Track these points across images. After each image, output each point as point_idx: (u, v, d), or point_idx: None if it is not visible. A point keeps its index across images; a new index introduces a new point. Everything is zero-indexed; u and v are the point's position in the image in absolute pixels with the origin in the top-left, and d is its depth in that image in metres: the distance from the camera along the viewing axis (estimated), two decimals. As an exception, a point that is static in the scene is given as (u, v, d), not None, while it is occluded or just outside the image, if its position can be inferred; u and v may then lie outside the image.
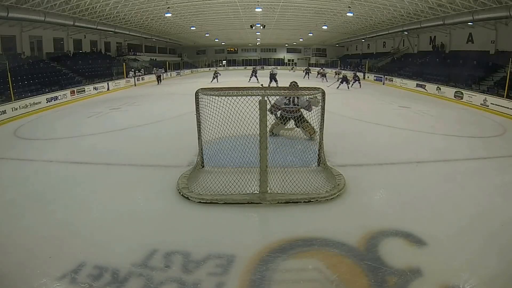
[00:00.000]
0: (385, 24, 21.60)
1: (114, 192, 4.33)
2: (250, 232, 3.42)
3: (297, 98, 6.20)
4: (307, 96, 5.95)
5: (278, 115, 6.55)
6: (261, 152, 3.80)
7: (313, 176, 4.37)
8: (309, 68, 27.53)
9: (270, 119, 5.89)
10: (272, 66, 30.88)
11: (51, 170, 5.27)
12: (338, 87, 17.33)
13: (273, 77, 17.62)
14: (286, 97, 6.19)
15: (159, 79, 21.64)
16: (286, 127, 6.54)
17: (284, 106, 6.26)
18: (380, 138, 7.03)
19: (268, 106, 5.54)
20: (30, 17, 13.49)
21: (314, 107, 5.88)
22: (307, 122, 6.09)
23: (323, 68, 25.27)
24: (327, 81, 21.18)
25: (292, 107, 6.26)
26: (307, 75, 24.75)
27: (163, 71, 23.37)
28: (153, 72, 22.63)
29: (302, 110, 6.29)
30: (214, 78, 20.56)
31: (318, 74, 24.27)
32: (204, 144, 4.82)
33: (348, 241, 3.08)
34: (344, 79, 17.87)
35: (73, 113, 10.84)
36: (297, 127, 6.23)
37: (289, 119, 6.36)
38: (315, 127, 5.78)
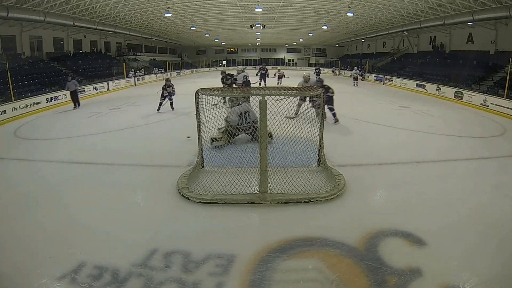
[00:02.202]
0: (385, 24, 21.59)
1: (114, 192, 4.33)
2: (250, 232, 3.42)
3: (248, 112, 6.13)
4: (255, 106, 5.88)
5: (222, 130, 6.08)
6: (261, 152, 3.80)
7: (313, 176, 4.37)
8: (265, 67, 18.29)
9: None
10: (242, 67, 18.75)
11: (51, 170, 5.27)
12: (260, 84, 15.90)
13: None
14: (238, 116, 6.04)
15: (74, 98, 11.87)
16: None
17: (238, 126, 6.06)
18: (380, 138, 7.04)
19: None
20: (30, 17, 13.49)
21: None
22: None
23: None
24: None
25: (246, 126, 6.11)
26: (262, 81, 16.63)
27: (77, 84, 12.25)
28: (66, 86, 12.12)
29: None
30: (164, 97, 10.13)
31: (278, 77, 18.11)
32: (204, 144, 4.83)
33: (348, 241, 3.08)
34: (262, 76, 16.29)
35: (73, 113, 10.84)
36: (254, 139, 5.90)
37: (239, 132, 6.15)
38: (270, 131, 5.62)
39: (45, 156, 5.99)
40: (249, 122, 6.15)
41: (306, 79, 8.58)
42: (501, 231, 3.31)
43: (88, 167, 5.35)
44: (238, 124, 6.10)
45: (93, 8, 16.16)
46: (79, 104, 11.99)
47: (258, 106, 3.78)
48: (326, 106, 7.69)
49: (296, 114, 7.31)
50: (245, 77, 11.04)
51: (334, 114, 8.23)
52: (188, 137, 6.52)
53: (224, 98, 7.82)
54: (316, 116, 6.58)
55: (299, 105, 7.73)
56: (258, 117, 5.69)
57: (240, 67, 12.82)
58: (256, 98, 4.16)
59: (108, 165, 5.42)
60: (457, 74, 15.70)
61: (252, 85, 11.52)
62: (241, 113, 6.14)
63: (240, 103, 6.37)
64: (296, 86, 8.30)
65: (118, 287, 2.54)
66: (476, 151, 6.19)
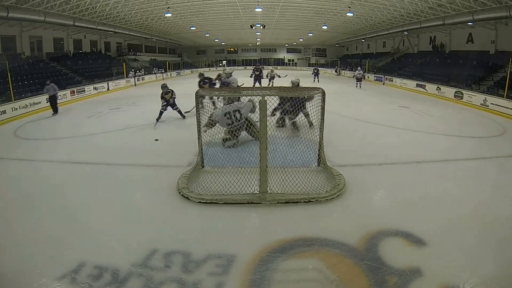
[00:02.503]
0: (385, 24, 21.60)
1: (114, 192, 4.33)
2: (250, 232, 3.42)
3: (239, 111, 5.99)
4: (247, 99, 5.87)
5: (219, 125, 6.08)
6: (261, 152, 3.80)
7: (313, 176, 4.37)
8: (260, 67, 15.58)
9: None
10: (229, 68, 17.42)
11: (51, 170, 5.27)
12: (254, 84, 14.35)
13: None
14: (226, 116, 5.90)
15: (53, 103, 10.70)
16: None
17: (228, 127, 5.97)
18: (380, 138, 7.03)
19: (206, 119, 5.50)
20: (30, 17, 13.49)
21: (256, 107, 5.61)
22: (254, 126, 6.03)
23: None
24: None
25: (238, 124, 6.01)
26: (257, 82, 14.70)
27: (56, 88, 10.84)
28: (45, 90, 10.88)
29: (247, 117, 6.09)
30: (164, 106, 8.52)
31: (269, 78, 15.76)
32: (204, 144, 4.83)
33: (348, 241, 3.08)
34: (257, 78, 14.53)
35: (73, 113, 10.85)
36: (252, 136, 6.08)
37: (239, 130, 6.13)
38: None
39: (45, 156, 5.98)
40: (239, 120, 6.02)
41: (294, 85, 7.38)
42: (501, 231, 3.31)
43: (88, 167, 5.35)
44: (227, 124, 5.97)
45: (93, 8, 16.16)
46: (57, 111, 10.65)
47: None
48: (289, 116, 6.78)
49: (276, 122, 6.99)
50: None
51: (294, 123, 6.90)
52: (156, 139, 6.77)
53: (201, 103, 7.50)
54: (310, 125, 6.52)
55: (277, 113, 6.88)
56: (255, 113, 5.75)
57: (228, 69, 11.47)
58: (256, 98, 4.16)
59: (108, 165, 5.42)
60: (457, 74, 15.70)
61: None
62: (227, 113, 5.93)
63: (229, 102, 6.21)
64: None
65: (118, 287, 2.54)
66: (476, 151, 6.19)
